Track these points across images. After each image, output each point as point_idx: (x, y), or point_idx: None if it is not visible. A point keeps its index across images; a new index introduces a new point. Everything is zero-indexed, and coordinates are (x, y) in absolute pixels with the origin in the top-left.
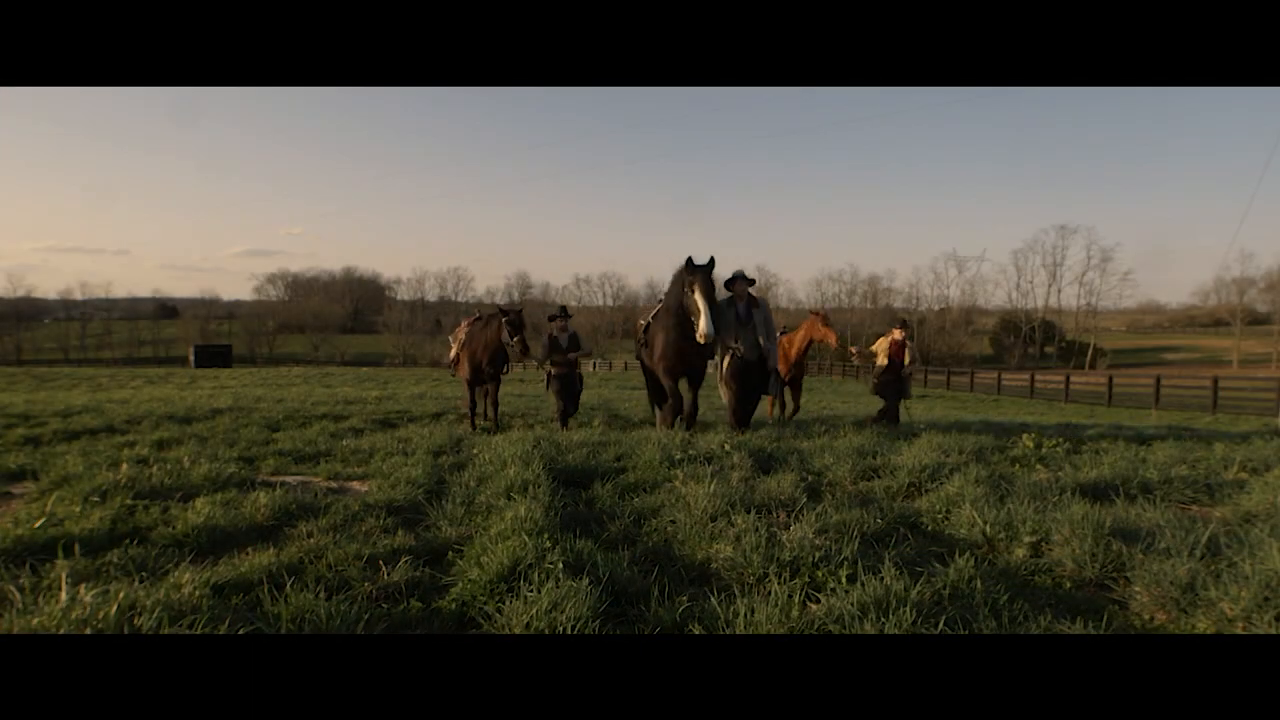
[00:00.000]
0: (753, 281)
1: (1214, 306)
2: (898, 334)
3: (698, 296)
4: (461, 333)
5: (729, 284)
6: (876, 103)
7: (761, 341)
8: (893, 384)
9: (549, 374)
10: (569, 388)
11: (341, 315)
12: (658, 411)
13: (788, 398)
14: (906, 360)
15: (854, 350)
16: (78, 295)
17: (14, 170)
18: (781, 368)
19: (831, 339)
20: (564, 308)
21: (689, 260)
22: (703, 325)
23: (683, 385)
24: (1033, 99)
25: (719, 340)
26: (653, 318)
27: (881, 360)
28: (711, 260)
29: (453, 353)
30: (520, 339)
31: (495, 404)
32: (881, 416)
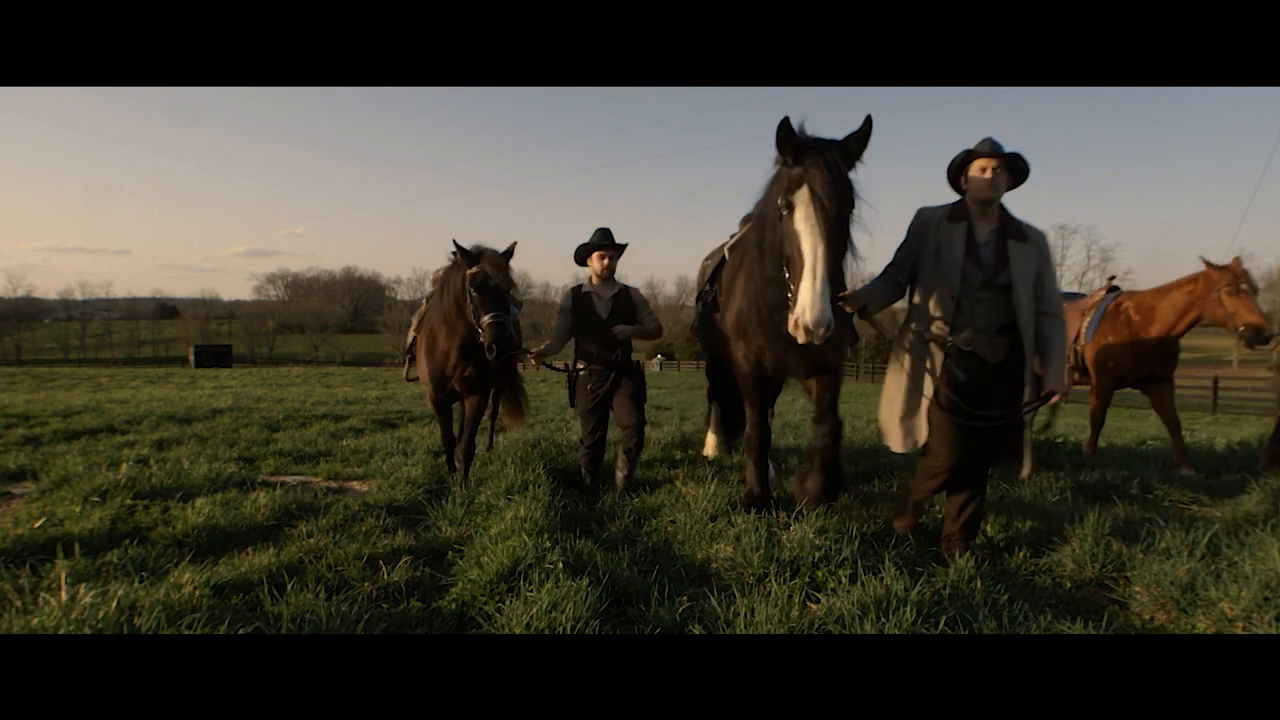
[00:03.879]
0: (1022, 170)
1: None
2: None
3: (799, 220)
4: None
5: (955, 170)
6: (876, 103)
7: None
8: None
9: (571, 370)
10: (634, 395)
11: (341, 315)
12: (712, 429)
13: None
14: None
15: None
16: (78, 295)
17: (14, 170)
18: (1084, 355)
19: (1251, 320)
20: (607, 231)
21: (783, 125)
22: (803, 300)
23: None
24: (1033, 99)
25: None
26: (728, 250)
27: None
28: (866, 129)
29: (409, 335)
30: (494, 322)
31: (469, 448)
32: None
